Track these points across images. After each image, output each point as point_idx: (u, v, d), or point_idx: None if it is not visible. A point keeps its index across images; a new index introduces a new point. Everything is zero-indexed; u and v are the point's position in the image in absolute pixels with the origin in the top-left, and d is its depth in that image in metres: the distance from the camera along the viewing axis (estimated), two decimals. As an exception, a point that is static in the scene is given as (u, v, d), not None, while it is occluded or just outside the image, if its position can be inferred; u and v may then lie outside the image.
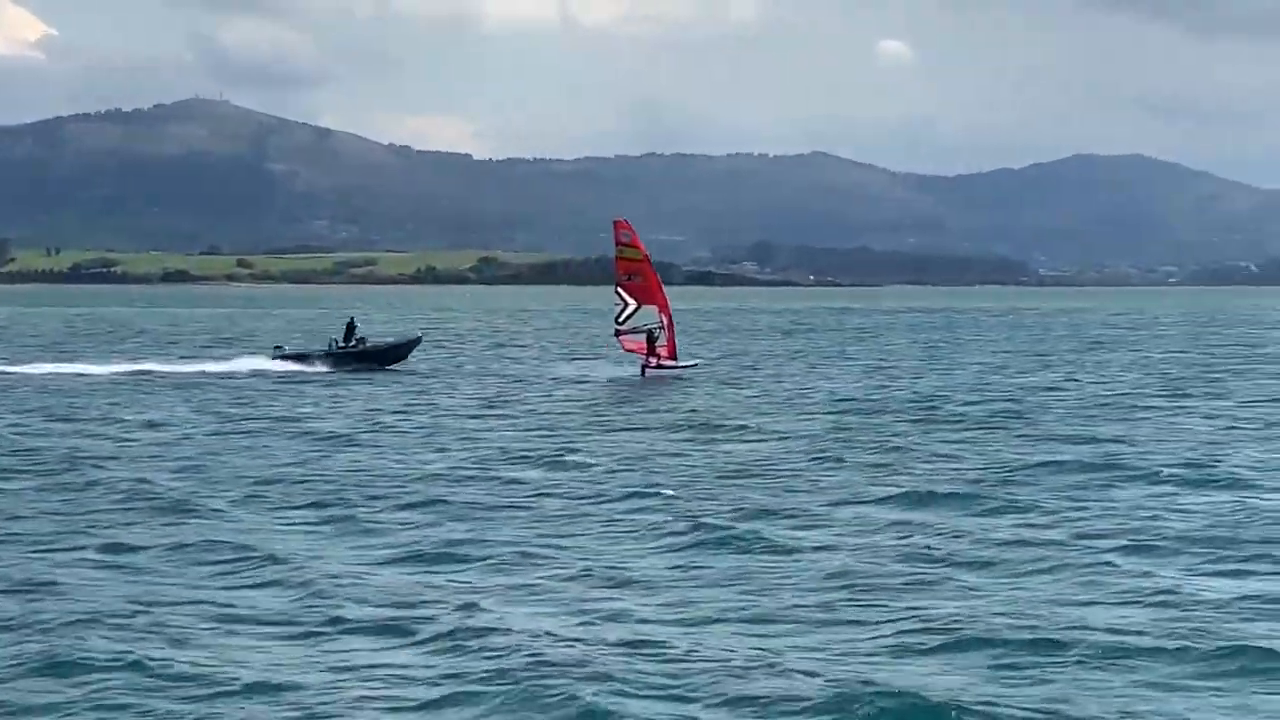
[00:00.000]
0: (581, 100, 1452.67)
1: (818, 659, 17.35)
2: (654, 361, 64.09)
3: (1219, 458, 34.66)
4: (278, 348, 72.65)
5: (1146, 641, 17.81)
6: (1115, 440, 38.56)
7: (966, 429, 42.17)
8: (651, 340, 64.50)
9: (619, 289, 65.72)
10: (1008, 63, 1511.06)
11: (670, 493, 29.41)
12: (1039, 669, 16.83)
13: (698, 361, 69.03)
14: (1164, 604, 19.74)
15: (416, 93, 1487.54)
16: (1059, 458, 34.38)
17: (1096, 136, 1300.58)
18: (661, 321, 64.78)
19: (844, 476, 32.05)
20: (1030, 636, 17.98)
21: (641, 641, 17.95)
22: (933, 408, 49.16)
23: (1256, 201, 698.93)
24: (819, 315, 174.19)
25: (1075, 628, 18.34)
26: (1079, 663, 17.02)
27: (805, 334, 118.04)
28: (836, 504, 28.24)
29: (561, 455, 36.02)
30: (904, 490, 29.64)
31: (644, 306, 65.19)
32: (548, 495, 29.49)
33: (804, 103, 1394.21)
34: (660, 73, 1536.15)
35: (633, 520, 26.51)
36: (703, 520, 25.81)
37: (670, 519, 26.27)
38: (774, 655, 17.36)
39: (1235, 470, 32.34)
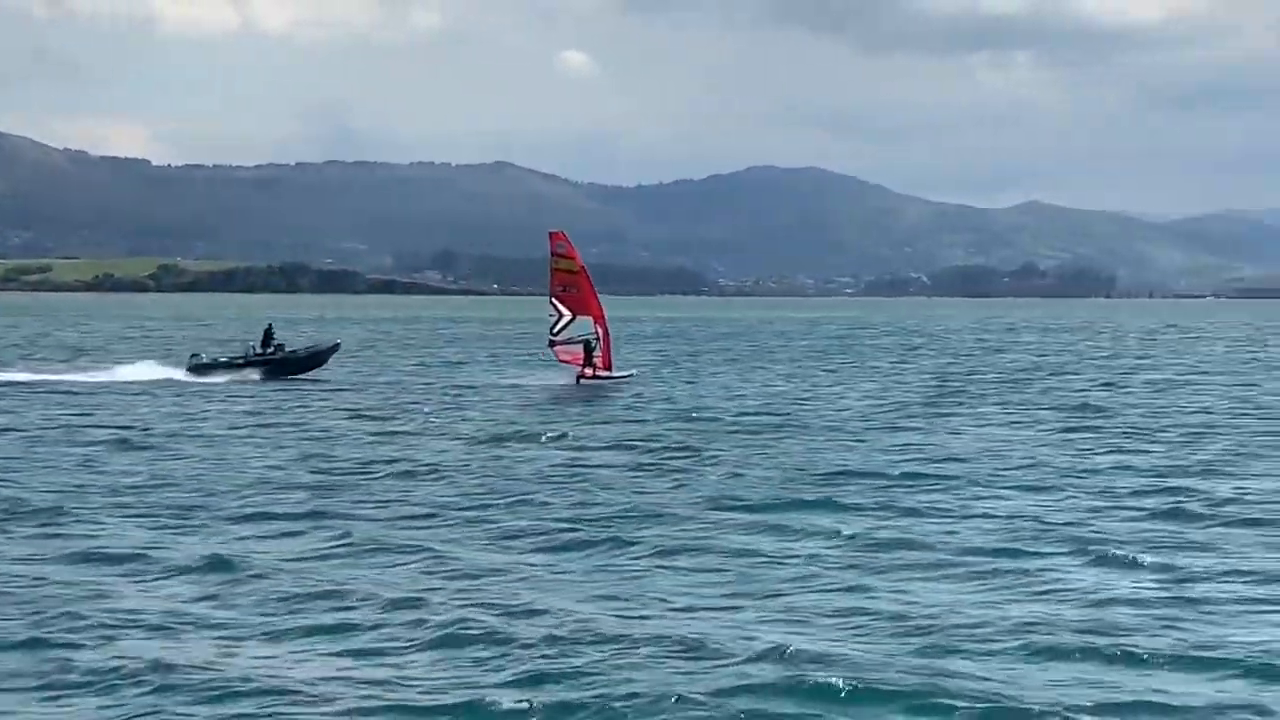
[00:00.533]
0: (262, 106, 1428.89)
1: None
2: (590, 371, 64.77)
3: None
4: (194, 356, 70.17)
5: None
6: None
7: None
8: (589, 350, 65.16)
9: (554, 300, 66.31)
10: (687, 76, 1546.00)
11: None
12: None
13: (634, 371, 69.71)
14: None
15: (93, 96, 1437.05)
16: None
17: (775, 149, 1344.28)
18: (597, 332, 65.53)
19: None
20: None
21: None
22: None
23: (928, 214, 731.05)
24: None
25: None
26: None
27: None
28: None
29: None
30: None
31: (579, 318, 65.84)
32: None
33: (488, 112, 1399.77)
34: (342, 79, 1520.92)
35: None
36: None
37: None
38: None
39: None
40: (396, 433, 44.89)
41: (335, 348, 72.33)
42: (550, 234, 68.00)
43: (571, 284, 66.06)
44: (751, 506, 29.41)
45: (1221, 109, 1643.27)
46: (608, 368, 65.69)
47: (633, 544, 25.28)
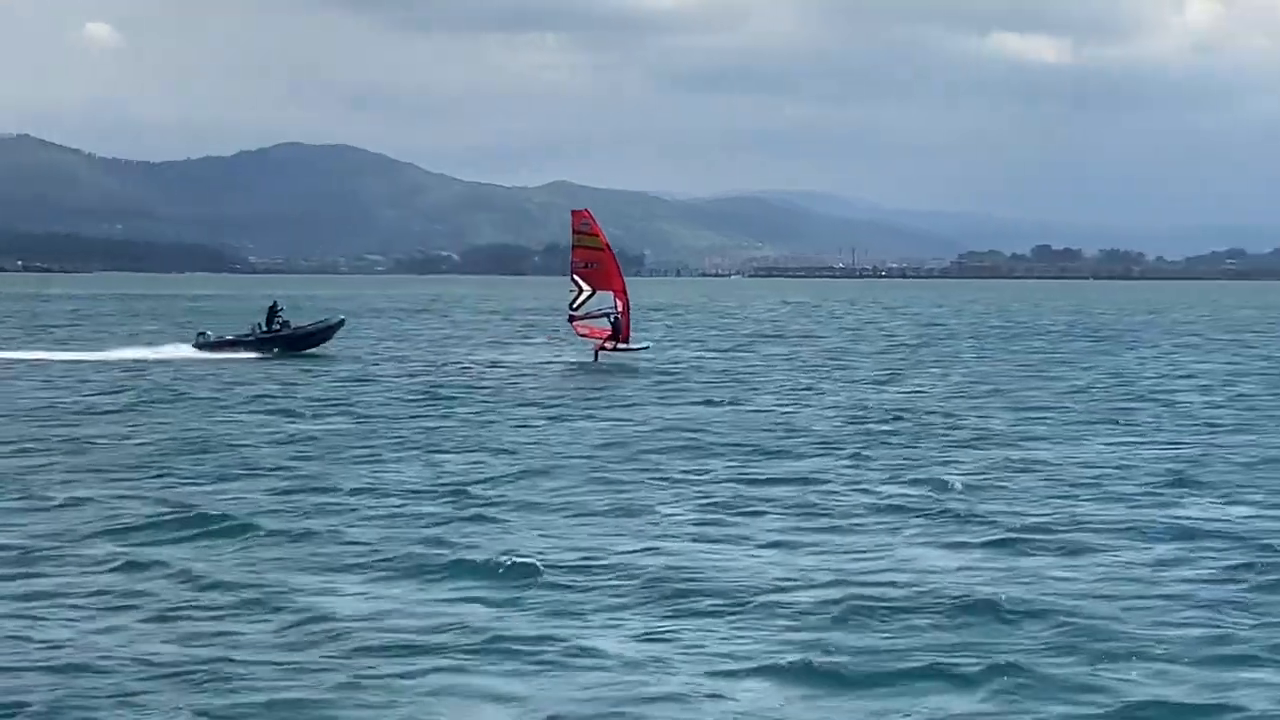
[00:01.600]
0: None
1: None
2: (610, 345, 67.34)
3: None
4: (201, 334, 69.51)
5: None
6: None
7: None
8: (615, 326, 67.71)
9: (574, 276, 68.34)
10: (218, 51, 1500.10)
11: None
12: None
13: (649, 344, 72.42)
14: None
15: None
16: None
17: (305, 126, 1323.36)
18: (618, 306, 68.10)
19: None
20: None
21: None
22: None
23: (458, 193, 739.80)
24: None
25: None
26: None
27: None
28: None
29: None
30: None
31: (599, 292, 68.29)
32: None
33: (10, 83, 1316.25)
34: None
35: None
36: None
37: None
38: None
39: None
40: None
41: (340, 324, 72.34)
42: (573, 212, 69.79)
43: (595, 260, 68.02)
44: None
45: (738, 92, 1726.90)
46: (625, 341, 68.25)
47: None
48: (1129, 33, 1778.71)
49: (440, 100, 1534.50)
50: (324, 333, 70.29)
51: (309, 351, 68.21)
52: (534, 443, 35.79)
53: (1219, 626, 17.99)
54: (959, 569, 21.21)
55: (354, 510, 25.87)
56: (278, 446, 34.80)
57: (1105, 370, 64.49)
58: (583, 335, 68.48)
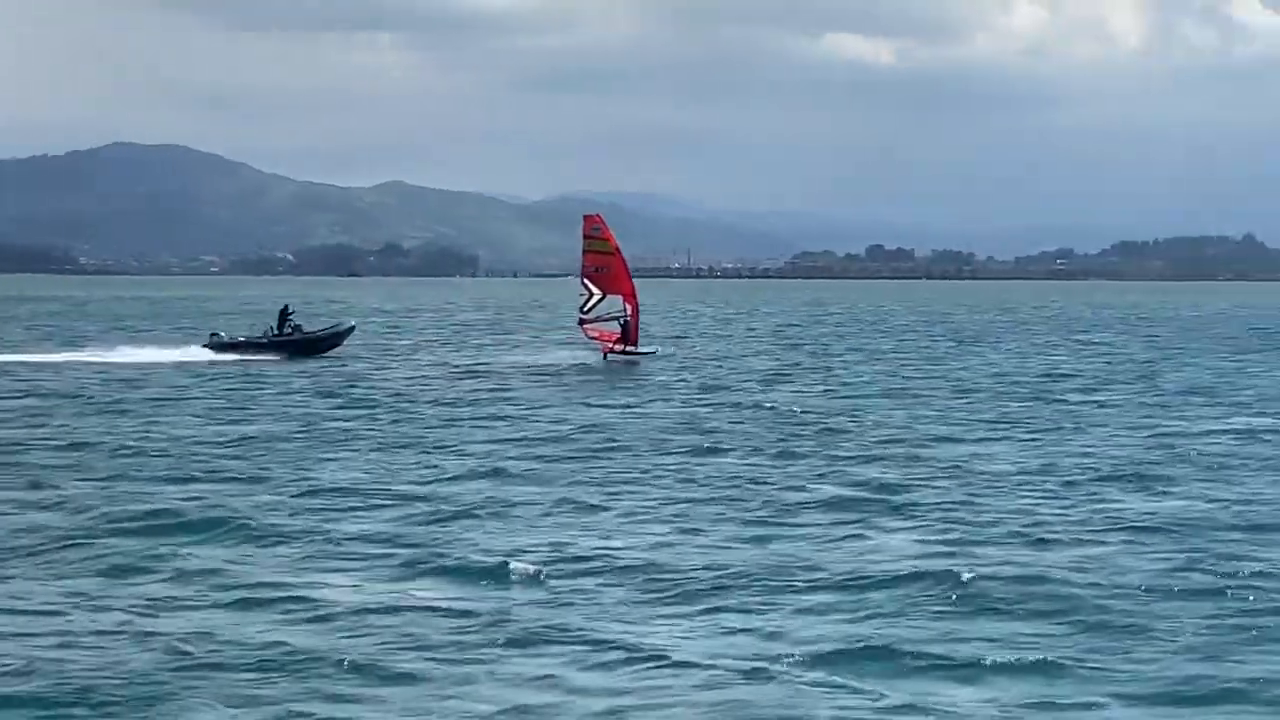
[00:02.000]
0: None
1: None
2: (620, 347, 68.99)
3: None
4: (214, 335, 70.57)
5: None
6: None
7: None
8: (625, 329, 69.34)
9: (585, 280, 69.96)
10: (48, 47, 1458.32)
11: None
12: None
13: (657, 348, 74.03)
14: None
15: None
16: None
17: (137, 125, 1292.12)
18: (627, 310, 69.75)
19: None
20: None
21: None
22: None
23: (293, 193, 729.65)
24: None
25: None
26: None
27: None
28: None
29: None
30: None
31: (608, 296, 69.93)
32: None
33: None
34: None
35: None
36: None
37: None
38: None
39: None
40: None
41: (351, 329, 73.14)
42: (585, 217, 71.29)
43: (605, 265, 69.67)
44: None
45: (574, 93, 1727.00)
46: (634, 344, 69.89)
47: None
48: (959, 35, 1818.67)
49: (275, 100, 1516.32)
50: (335, 338, 71.17)
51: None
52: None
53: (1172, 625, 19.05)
54: (909, 556, 22.81)
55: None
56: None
57: (983, 368, 68.01)
58: (593, 338, 70.03)
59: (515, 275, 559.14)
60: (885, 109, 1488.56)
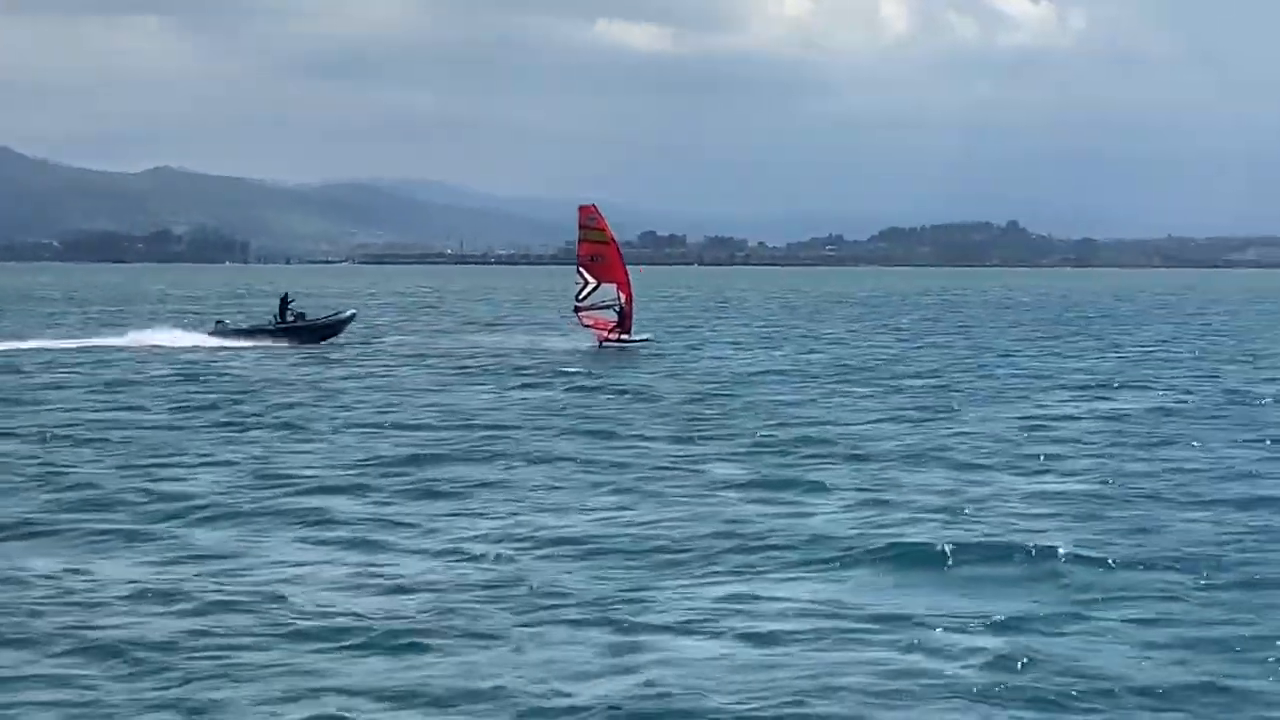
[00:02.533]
0: None
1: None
2: (615, 335, 71.94)
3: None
4: (219, 322, 72.44)
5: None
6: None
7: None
8: (622, 316, 72.26)
9: (580, 269, 72.72)
10: None
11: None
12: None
13: (651, 335, 76.82)
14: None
15: None
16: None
17: None
18: (620, 298, 72.65)
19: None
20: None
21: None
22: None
23: (58, 179, 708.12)
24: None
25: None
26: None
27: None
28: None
29: None
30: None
31: (603, 284, 72.77)
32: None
33: None
34: None
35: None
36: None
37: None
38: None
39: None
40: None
41: (352, 318, 74.92)
42: (580, 208, 73.94)
43: (600, 254, 72.35)
44: None
45: (347, 79, 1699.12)
46: (628, 332, 72.84)
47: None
48: (731, 23, 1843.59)
49: (39, 85, 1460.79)
50: (338, 325, 72.80)
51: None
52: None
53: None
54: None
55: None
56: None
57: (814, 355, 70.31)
58: (588, 326, 72.64)
59: (288, 261, 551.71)
60: (657, 95, 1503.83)
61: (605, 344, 70.72)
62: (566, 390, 48.99)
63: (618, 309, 71.74)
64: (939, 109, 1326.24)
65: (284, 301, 71.81)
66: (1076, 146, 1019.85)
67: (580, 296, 72.42)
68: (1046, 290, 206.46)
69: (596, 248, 72.66)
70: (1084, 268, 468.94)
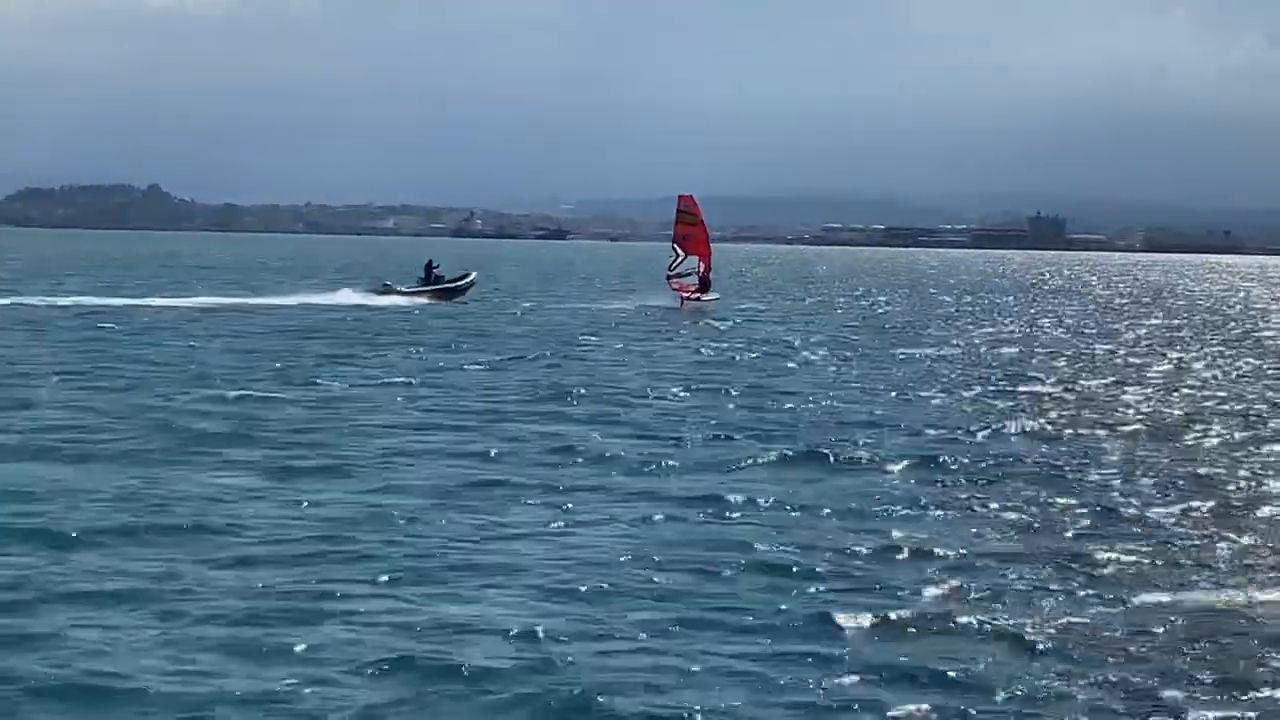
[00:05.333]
0: None
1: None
2: (695, 296, 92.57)
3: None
4: (385, 284, 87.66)
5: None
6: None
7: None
8: (703, 282, 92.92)
9: (675, 245, 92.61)
10: None
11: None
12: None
13: (718, 296, 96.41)
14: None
15: None
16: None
17: None
18: (700, 267, 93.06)
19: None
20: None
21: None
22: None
23: None
24: None
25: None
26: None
27: None
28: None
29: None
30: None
31: (689, 257, 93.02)
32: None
33: None
34: None
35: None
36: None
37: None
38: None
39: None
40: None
41: (475, 280, 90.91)
42: (680, 197, 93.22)
43: (691, 234, 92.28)
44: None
45: None
46: (704, 292, 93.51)
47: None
48: None
49: None
50: (468, 285, 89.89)
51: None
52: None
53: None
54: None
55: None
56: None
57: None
58: (675, 290, 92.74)
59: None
60: None
61: (685, 302, 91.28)
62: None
63: (699, 275, 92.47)
64: (83, 64, 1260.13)
65: (429, 267, 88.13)
66: (220, 112, 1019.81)
67: (672, 267, 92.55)
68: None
69: (690, 229, 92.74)
70: (226, 232, 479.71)
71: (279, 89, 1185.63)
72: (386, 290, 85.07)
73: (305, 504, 22.87)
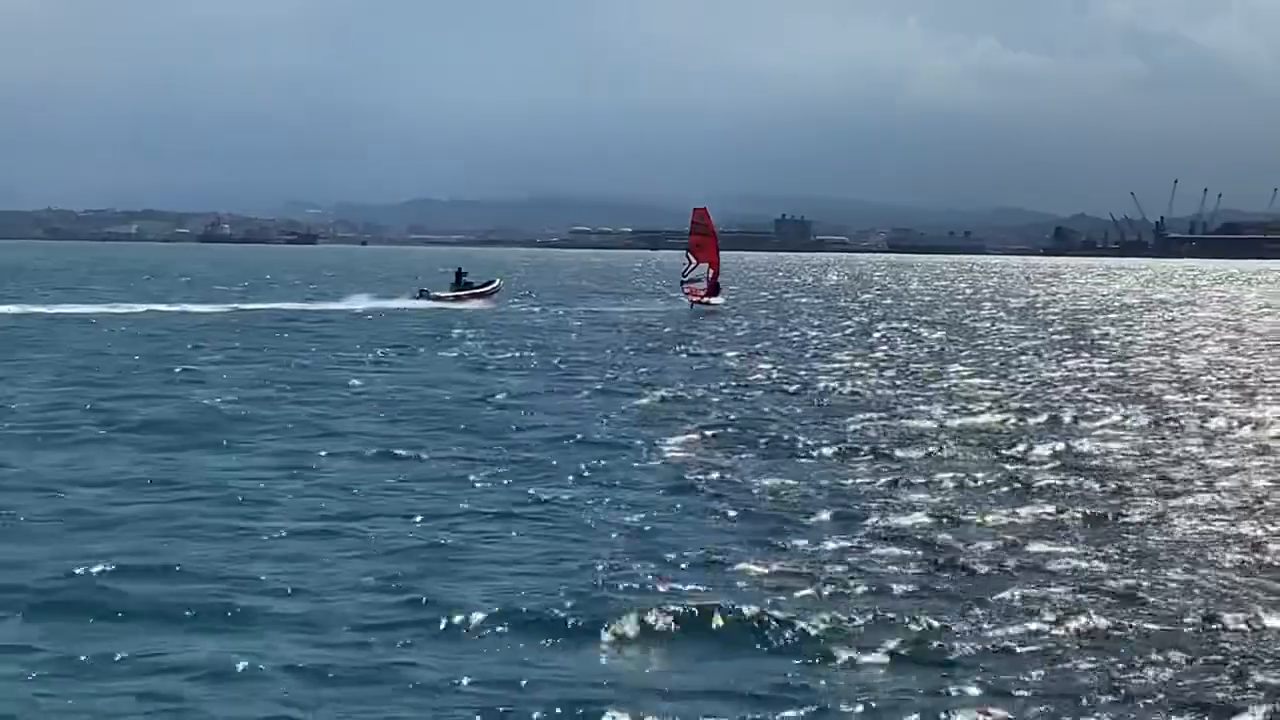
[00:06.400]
0: None
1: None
2: (705, 299, 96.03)
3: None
4: (424, 290, 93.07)
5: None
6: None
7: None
8: (716, 287, 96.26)
9: (688, 254, 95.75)
10: None
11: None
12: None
13: (723, 300, 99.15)
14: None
15: None
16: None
17: None
18: (709, 273, 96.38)
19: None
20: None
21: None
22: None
23: None
24: None
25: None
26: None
27: None
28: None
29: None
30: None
31: (700, 264, 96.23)
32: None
33: None
34: None
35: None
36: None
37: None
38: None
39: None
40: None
41: (500, 285, 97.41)
42: (694, 209, 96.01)
43: (702, 244, 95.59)
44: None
45: None
46: (713, 296, 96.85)
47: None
48: None
49: None
50: (494, 291, 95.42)
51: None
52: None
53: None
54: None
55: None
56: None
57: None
58: (688, 293, 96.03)
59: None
60: None
61: (695, 304, 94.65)
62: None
63: (708, 280, 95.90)
64: None
65: (459, 274, 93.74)
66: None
67: (685, 273, 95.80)
68: None
69: (701, 239, 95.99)
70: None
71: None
72: (424, 295, 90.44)
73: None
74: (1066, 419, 34.72)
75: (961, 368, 50.17)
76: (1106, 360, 54.77)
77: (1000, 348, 61.64)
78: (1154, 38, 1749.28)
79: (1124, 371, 49.62)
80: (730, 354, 55.35)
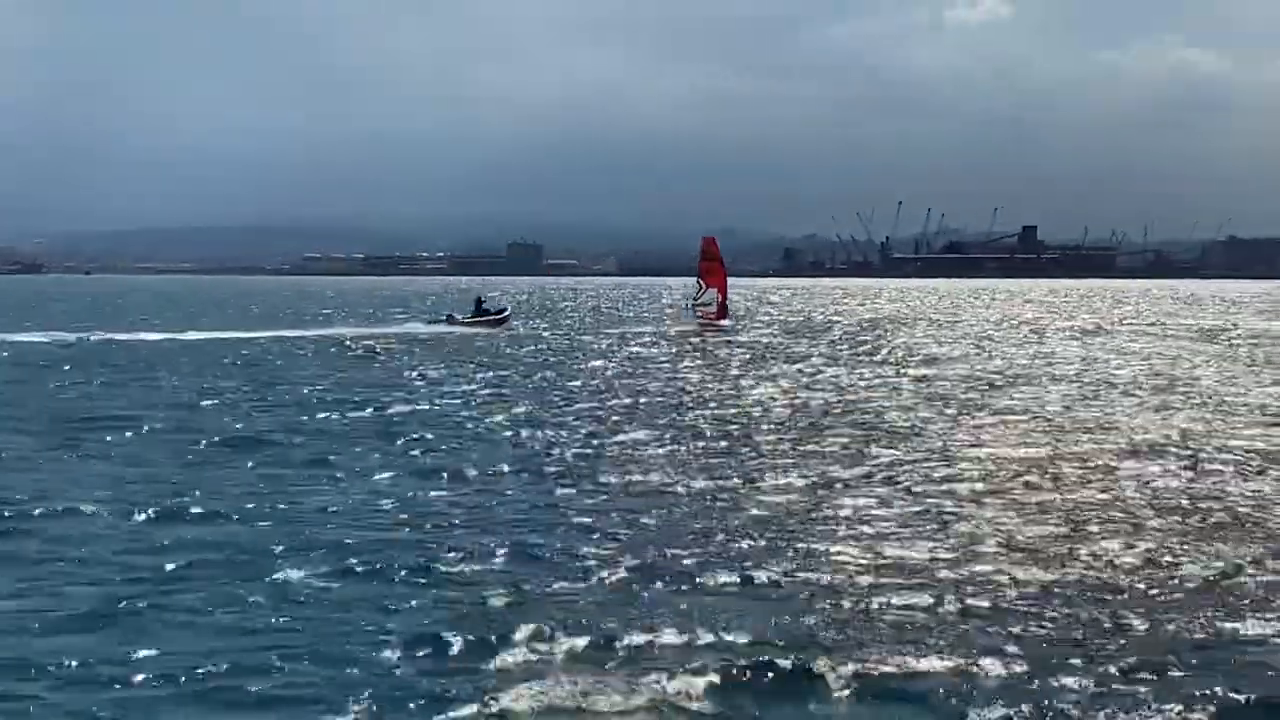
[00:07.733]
0: None
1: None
2: (715, 321, 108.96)
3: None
4: (449, 315, 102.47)
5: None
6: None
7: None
8: (725, 310, 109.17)
9: (699, 280, 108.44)
10: None
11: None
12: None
13: (732, 322, 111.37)
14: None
15: None
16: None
17: None
18: (718, 298, 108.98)
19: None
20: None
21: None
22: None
23: None
24: None
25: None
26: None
27: None
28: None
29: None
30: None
31: (709, 289, 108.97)
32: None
33: None
34: None
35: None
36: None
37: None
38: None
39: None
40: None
41: (511, 312, 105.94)
42: (703, 238, 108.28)
43: (711, 270, 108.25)
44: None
45: None
46: (723, 318, 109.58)
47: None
48: None
49: None
50: (508, 317, 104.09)
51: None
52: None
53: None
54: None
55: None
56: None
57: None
58: (699, 316, 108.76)
59: None
60: None
61: (705, 326, 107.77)
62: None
63: (717, 305, 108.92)
64: None
65: (479, 301, 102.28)
66: None
67: (696, 298, 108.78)
68: None
69: (711, 265, 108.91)
70: None
71: None
72: (450, 320, 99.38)
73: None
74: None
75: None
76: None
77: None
78: (874, 62, 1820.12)
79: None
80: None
